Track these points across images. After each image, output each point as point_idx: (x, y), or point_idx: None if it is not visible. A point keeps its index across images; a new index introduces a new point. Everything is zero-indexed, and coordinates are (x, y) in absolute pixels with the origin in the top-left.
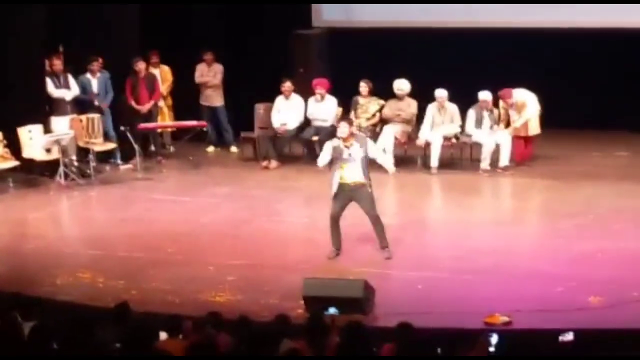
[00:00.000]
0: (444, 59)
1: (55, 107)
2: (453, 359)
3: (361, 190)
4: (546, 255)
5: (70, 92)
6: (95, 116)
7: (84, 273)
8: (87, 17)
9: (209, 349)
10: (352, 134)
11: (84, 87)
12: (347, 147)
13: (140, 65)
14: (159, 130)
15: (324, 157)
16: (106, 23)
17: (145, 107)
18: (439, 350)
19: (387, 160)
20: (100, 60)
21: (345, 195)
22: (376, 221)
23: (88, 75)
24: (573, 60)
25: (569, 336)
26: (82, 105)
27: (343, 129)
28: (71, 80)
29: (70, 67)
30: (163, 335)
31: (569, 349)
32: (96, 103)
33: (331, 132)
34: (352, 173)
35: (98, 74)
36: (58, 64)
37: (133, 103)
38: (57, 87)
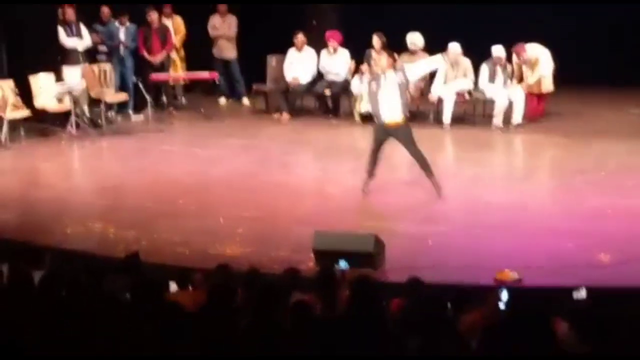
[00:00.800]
0: (458, 14)
1: (66, 56)
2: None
3: (398, 130)
4: (557, 212)
5: (83, 41)
6: (107, 66)
7: (95, 223)
8: None
9: (228, 295)
10: (392, 64)
11: (112, 34)
12: (387, 75)
13: (153, 16)
14: (171, 81)
15: (359, 84)
16: None
17: (157, 58)
18: (449, 305)
19: (427, 62)
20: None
21: (382, 132)
22: (416, 156)
23: (117, 23)
24: (587, 18)
25: (582, 293)
26: (94, 54)
27: (379, 60)
28: (83, 29)
29: (82, 17)
30: (173, 286)
31: (583, 306)
32: (121, 51)
33: (344, 86)
34: (389, 108)
35: (128, 24)
36: (70, 12)
37: (145, 54)
38: (69, 35)
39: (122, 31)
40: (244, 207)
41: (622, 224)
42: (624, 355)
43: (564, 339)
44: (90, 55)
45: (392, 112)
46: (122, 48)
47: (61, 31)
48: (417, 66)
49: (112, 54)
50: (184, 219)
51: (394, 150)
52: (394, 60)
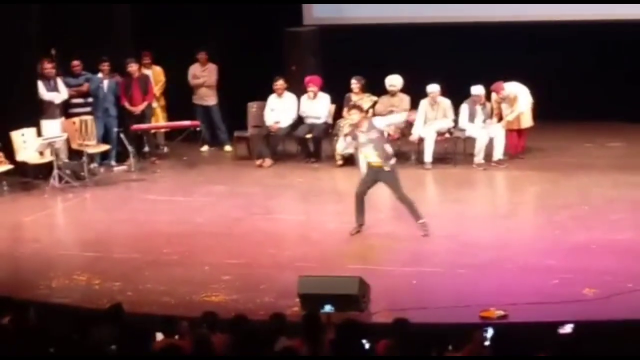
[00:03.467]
0: (436, 55)
1: (44, 109)
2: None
3: (383, 173)
4: (542, 248)
5: (60, 95)
6: (88, 118)
7: (80, 275)
8: (78, 19)
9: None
10: (364, 119)
11: (97, 87)
12: (362, 132)
13: (133, 67)
14: (153, 130)
15: (345, 144)
16: (98, 24)
17: (138, 109)
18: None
19: (396, 117)
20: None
21: (370, 175)
22: (402, 200)
23: (100, 75)
24: (564, 53)
25: (568, 328)
26: (74, 107)
27: (354, 116)
28: (60, 83)
29: (61, 71)
30: (159, 336)
31: (569, 342)
32: (105, 102)
33: (325, 129)
34: (372, 155)
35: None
36: (49, 67)
37: (127, 104)
38: (48, 90)
39: (106, 83)
40: (229, 254)
41: (607, 259)
42: None
43: None
44: (66, 109)
45: (374, 156)
46: (106, 99)
47: (41, 85)
48: (385, 118)
49: (95, 105)
50: (169, 268)
51: (376, 192)
52: (365, 112)
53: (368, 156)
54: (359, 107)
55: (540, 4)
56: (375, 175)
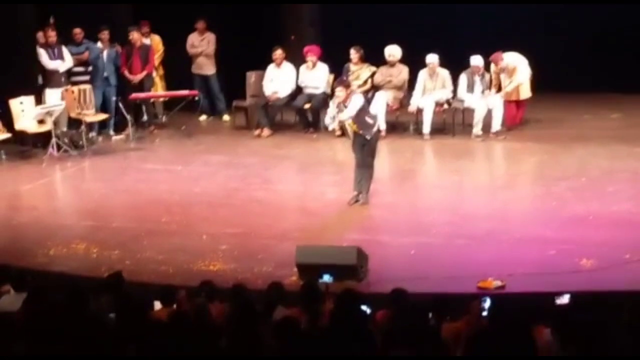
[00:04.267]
0: (435, 25)
1: (49, 78)
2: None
3: (363, 139)
4: (539, 219)
5: (65, 63)
6: (87, 87)
7: (78, 244)
8: None
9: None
10: (348, 95)
11: (97, 56)
12: (346, 106)
13: (135, 36)
14: (151, 100)
15: (331, 120)
16: None
17: (137, 77)
18: (431, 315)
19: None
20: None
21: (356, 142)
22: (367, 167)
23: (99, 44)
24: (564, 24)
25: (565, 299)
26: (75, 75)
27: (339, 94)
28: (65, 51)
29: (61, 39)
30: (157, 305)
31: (565, 312)
32: (105, 71)
33: (323, 99)
34: (355, 124)
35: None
36: (53, 35)
37: (126, 73)
38: (51, 58)
39: (106, 52)
40: (227, 224)
41: (604, 230)
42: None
43: (547, 345)
44: (67, 77)
45: (357, 125)
46: (106, 68)
47: (43, 54)
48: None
49: (93, 74)
50: (167, 237)
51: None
52: (348, 87)
53: (350, 125)
54: (344, 83)
55: None
56: (359, 140)
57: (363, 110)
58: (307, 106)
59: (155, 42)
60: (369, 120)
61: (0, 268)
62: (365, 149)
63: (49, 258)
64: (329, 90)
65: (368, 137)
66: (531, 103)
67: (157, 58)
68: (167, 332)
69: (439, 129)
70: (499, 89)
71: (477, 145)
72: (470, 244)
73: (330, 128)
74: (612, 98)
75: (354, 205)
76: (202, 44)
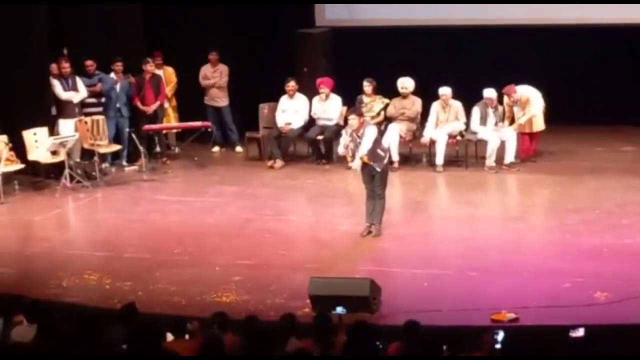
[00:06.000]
0: (448, 57)
1: (62, 109)
2: (459, 359)
3: (372, 169)
4: (553, 251)
5: (78, 94)
6: (100, 118)
7: (91, 275)
8: (90, 19)
9: (218, 349)
10: (361, 124)
11: (110, 87)
12: (359, 136)
13: (150, 67)
14: (164, 131)
15: (343, 149)
16: (109, 24)
17: (151, 108)
18: (444, 348)
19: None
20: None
21: (365, 173)
22: (379, 198)
23: (113, 75)
24: (576, 56)
25: (579, 332)
26: (87, 106)
27: (352, 122)
28: (79, 82)
29: (73, 70)
30: (169, 337)
31: (580, 345)
32: (118, 102)
33: (336, 131)
34: (367, 155)
35: (123, 76)
36: (67, 66)
37: (139, 104)
38: (65, 89)
39: (119, 83)
40: (240, 255)
41: (618, 263)
42: None
43: None
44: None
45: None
46: (119, 99)
47: (57, 84)
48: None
49: (107, 105)
50: (180, 268)
51: (387, 194)
52: (361, 116)
53: (360, 155)
54: (357, 112)
55: (553, 4)
56: (368, 171)
57: (376, 142)
58: (319, 138)
59: (169, 73)
60: (381, 153)
61: (14, 298)
62: (375, 180)
63: (62, 289)
64: (342, 122)
65: (378, 169)
66: (544, 135)
67: (170, 89)
68: None
69: (451, 161)
70: (512, 121)
71: (490, 177)
72: (483, 276)
73: (340, 152)
74: (624, 130)
75: (366, 237)
76: (214, 76)
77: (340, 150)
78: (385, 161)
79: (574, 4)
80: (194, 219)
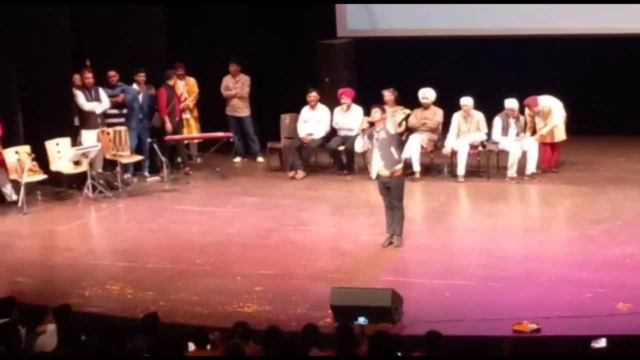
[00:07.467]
0: (470, 67)
1: (85, 120)
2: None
3: (389, 180)
4: (575, 262)
5: (101, 105)
6: (122, 129)
7: (113, 285)
8: (112, 30)
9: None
10: (382, 120)
11: (133, 98)
12: (376, 131)
13: (175, 79)
14: (186, 141)
15: (360, 143)
16: (132, 35)
17: (168, 125)
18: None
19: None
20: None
21: (381, 186)
22: (397, 208)
23: (135, 85)
24: (597, 66)
25: (601, 342)
26: (109, 117)
27: (375, 114)
28: (102, 93)
29: (96, 81)
30: (191, 347)
31: (603, 356)
32: (140, 113)
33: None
34: (379, 162)
35: (145, 87)
36: (89, 77)
37: (166, 117)
38: (88, 100)
39: (142, 94)
40: (261, 265)
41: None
42: None
43: None
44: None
45: (381, 164)
46: (141, 110)
47: (80, 95)
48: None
49: (129, 116)
50: (202, 278)
51: (408, 205)
52: (384, 113)
53: (376, 161)
54: (381, 108)
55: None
56: (384, 184)
57: (394, 141)
58: (341, 148)
59: (191, 84)
60: (395, 156)
61: (38, 308)
62: (391, 192)
63: (85, 299)
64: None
65: (388, 171)
66: (565, 145)
67: (192, 100)
68: None
69: (473, 172)
70: (534, 132)
71: (511, 187)
72: (505, 286)
73: (361, 150)
74: None
75: (387, 247)
76: (236, 87)
77: (358, 148)
78: (397, 167)
79: (596, 14)
80: (216, 229)
